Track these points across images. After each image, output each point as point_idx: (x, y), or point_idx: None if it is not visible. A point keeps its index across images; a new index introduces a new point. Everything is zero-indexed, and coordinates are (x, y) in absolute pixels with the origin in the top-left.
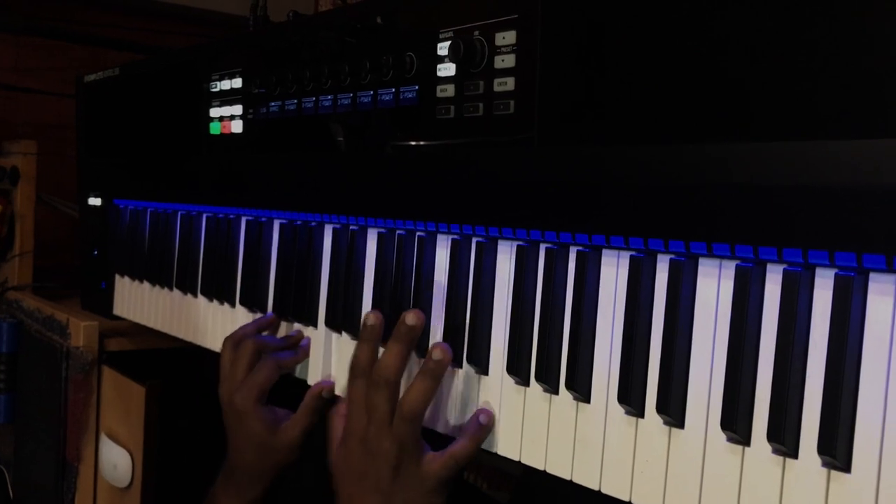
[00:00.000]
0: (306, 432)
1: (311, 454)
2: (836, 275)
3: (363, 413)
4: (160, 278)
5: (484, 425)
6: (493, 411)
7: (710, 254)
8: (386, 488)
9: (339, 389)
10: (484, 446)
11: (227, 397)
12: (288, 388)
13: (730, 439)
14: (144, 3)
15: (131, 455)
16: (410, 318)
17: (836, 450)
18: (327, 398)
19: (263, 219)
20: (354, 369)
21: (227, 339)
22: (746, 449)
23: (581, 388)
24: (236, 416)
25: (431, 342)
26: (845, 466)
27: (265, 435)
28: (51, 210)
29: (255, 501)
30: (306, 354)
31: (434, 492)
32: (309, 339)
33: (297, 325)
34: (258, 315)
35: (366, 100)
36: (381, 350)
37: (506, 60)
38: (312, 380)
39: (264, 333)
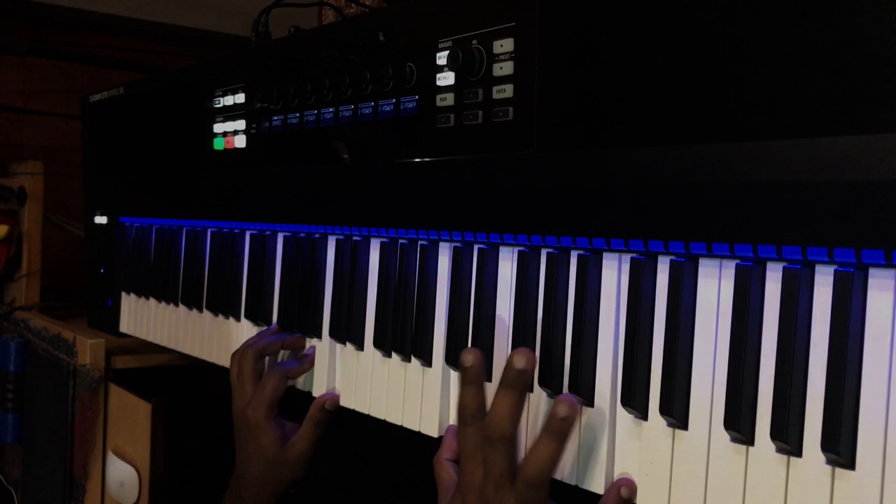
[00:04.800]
0: (314, 446)
1: (318, 474)
2: (836, 271)
3: (478, 466)
4: (166, 294)
5: (625, 499)
6: (635, 481)
7: (710, 254)
8: None
9: (344, 401)
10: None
11: (239, 411)
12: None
13: (733, 439)
14: (147, 24)
15: (138, 472)
16: (520, 360)
17: (840, 447)
18: (331, 410)
19: (267, 232)
20: (462, 416)
21: (233, 355)
22: (750, 448)
23: (585, 392)
24: (248, 430)
25: (434, 346)
26: (849, 463)
27: (275, 449)
28: (58, 230)
29: None
30: (312, 364)
31: None
32: (314, 348)
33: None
34: (263, 328)
35: (367, 111)
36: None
37: (504, 68)
38: (317, 391)
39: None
